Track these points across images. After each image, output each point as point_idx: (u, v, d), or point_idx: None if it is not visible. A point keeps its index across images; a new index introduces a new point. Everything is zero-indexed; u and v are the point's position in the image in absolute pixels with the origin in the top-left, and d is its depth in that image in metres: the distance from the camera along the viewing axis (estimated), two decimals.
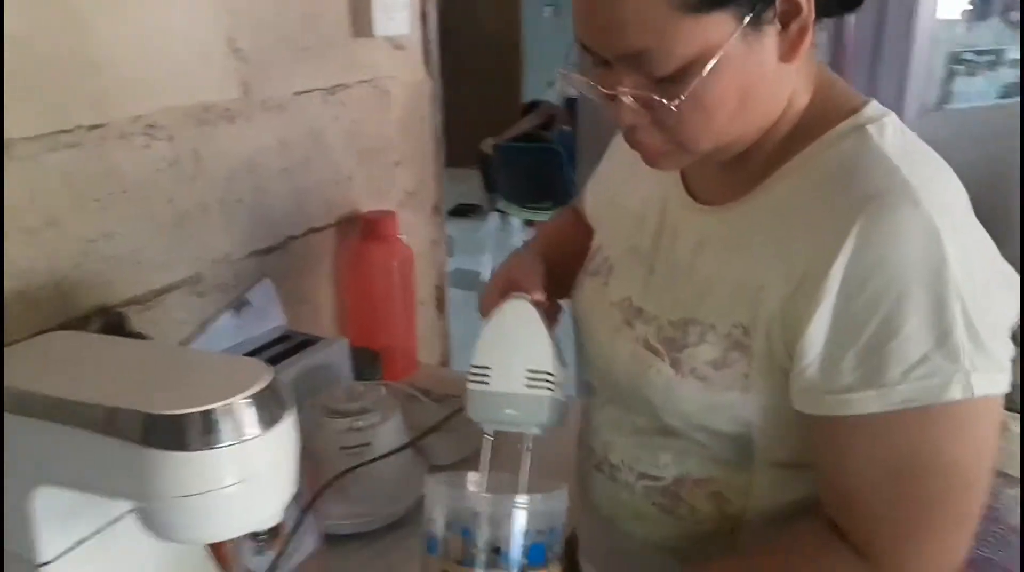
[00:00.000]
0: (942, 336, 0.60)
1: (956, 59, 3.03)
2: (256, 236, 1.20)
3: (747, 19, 0.61)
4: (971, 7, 3.03)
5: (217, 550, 0.86)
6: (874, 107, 0.69)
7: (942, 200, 0.63)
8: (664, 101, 0.63)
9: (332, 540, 1.01)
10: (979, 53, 3.06)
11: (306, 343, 1.19)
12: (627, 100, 0.66)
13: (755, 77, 0.65)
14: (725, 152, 0.70)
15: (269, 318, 1.23)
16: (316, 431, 1.02)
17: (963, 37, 3.03)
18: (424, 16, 1.43)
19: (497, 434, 0.76)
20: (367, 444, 1.01)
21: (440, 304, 1.62)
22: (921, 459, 0.63)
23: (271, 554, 0.88)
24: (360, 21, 1.28)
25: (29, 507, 0.67)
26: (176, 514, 0.62)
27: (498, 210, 4.67)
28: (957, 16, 2.99)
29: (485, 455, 0.76)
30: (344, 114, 1.31)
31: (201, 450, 0.61)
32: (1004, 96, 3.16)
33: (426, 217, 1.54)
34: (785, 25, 0.64)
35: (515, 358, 0.75)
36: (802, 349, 0.64)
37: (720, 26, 0.61)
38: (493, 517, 0.68)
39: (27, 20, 0.87)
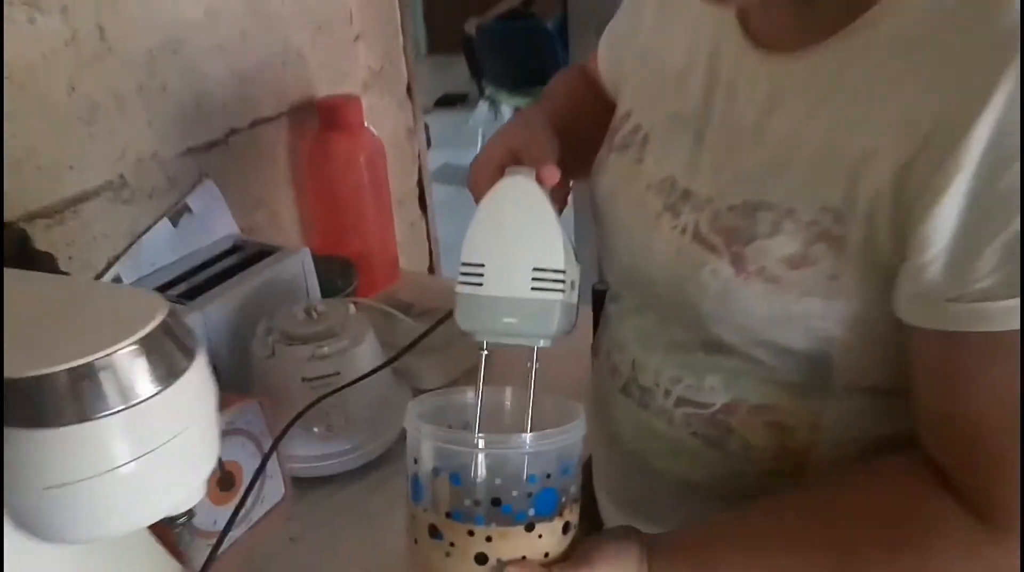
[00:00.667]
0: None
1: None
2: (190, 130, 1.00)
3: None
4: None
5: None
6: None
7: None
8: None
9: (301, 485, 0.86)
10: None
11: (261, 255, 1.01)
12: None
13: None
14: None
15: (216, 227, 1.05)
16: (272, 361, 0.85)
17: None
18: None
19: (494, 348, 0.60)
20: (335, 374, 0.84)
21: (422, 202, 1.43)
22: None
23: (228, 507, 0.73)
24: None
25: None
26: (48, 509, 0.46)
27: (487, 98, 4.41)
28: None
29: (480, 376, 0.59)
30: None
31: (73, 424, 0.44)
32: None
33: (397, 101, 1.33)
34: None
35: (517, 252, 0.58)
36: (922, 239, 0.47)
37: None
38: (492, 461, 0.54)
39: None
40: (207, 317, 0.89)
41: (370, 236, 1.18)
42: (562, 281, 0.57)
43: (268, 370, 0.85)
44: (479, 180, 0.62)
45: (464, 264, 0.59)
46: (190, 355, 0.48)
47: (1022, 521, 0.48)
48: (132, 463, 0.46)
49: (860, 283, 0.52)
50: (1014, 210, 0.44)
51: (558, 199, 0.63)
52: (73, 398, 0.43)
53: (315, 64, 1.16)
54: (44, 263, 0.83)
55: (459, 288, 0.59)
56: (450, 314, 0.70)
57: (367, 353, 0.87)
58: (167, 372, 0.46)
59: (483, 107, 4.48)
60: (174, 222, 0.99)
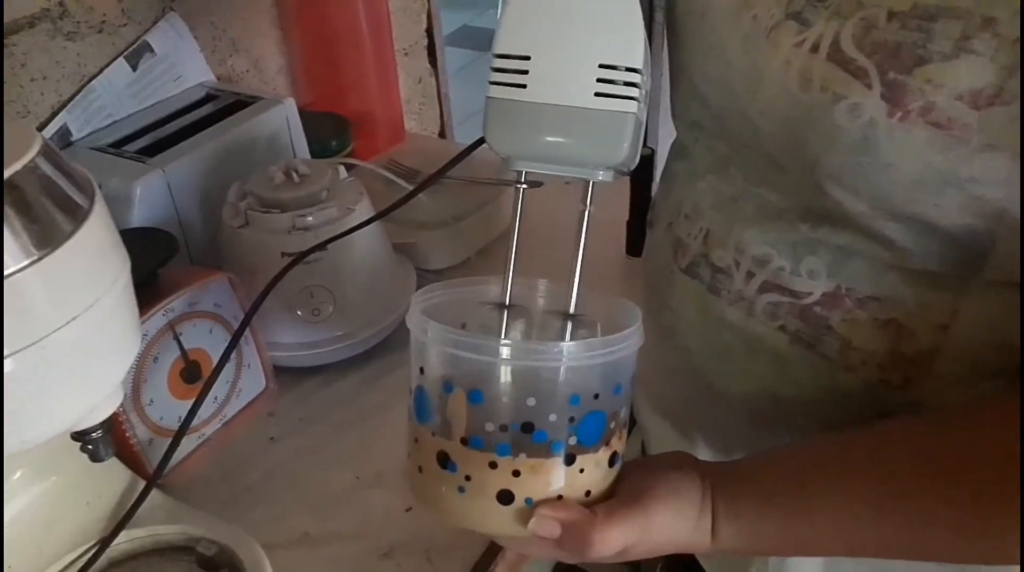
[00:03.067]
0: None
1: None
2: None
3: None
4: None
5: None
6: None
7: None
8: None
9: (284, 377, 0.74)
10: None
11: (239, 105, 0.85)
12: None
13: None
14: None
15: (186, 71, 0.88)
16: (245, 231, 0.71)
17: None
18: None
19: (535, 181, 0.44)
20: (321, 249, 0.70)
21: (432, 54, 1.24)
22: None
23: (187, 403, 0.61)
24: None
25: None
26: None
27: None
28: None
29: (514, 231, 0.44)
30: None
31: None
32: None
33: None
34: None
35: (577, 41, 0.41)
36: None
37: None
38: (523, 374, 0.41)
39: None
40: (170, 177, 0.74)
41: (369, 90, 1.01)
42: (638, 85, 0.41)
43: (241, 242, 0.71)
44: None
45: (499, 56, 0.42)
46: (77, 213, 0.34)
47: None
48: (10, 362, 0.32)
49: None
50: None
51: None
52: None
53: None
54: None
55: (492, 90, 0.42)
56: (465, 154, 0.55)
57: (361, 219, 0.73)
58: (46, 232, 0.32)
59: None
60: (133, 64, 0.83)
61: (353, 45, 0.98)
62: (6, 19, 0.72)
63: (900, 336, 0.46)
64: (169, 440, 0.56)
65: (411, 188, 0.85)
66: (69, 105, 0.78)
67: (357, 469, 0.66)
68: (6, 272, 0.31)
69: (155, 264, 0.62)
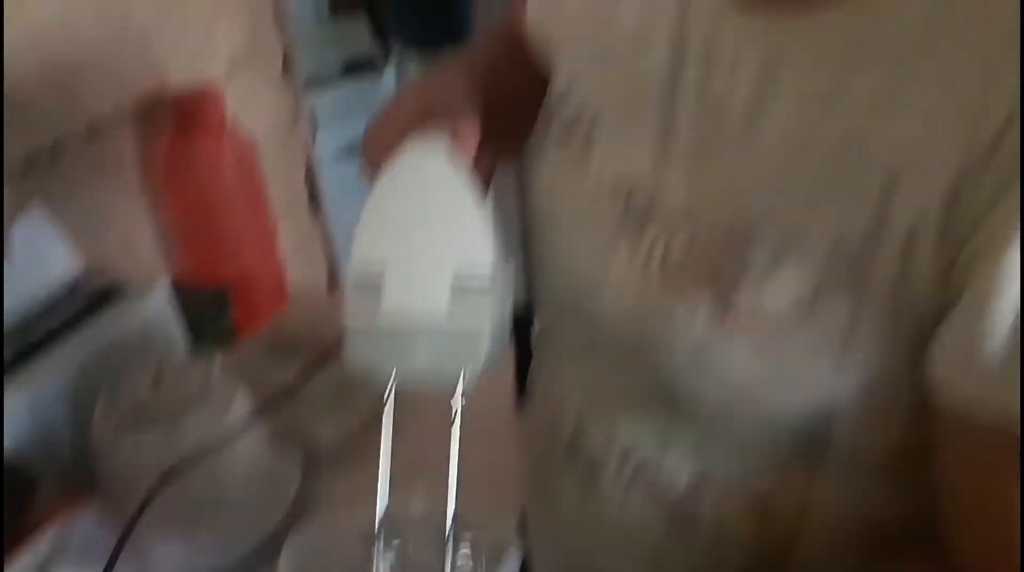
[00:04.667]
0: None
1: None
2: (5, 142, 0.79)
3: None
4: None
5: None
6: None
7: None
8: None
9: None
10: None
11: (107, 295, 0.81)
12: None
13: None
14: None
15: (49, 262, 0.84)
16: (114, 451, 0.67)
17: None
18: None
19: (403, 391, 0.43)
20: (198, 458, 0.66)
21: (314, 201, 1.23)
22: None
23: None
24: None
25: None
26: None
27: (395, 63, 4.16)
28: None
29: (386, 445, 0.42)
30: None
31: None
32: None
33: (272, 84, 1.13)
34: None
35: (428, 255, 0.42)
36: (985, 284, 0.34)
37: None
38: None
39: None
40: (35, 399, 0.69)
41: (247, 256, 0.98)
42: (490, 290, 0.41)
43: (112, 462, 0.67)
44: (377, 152, 0.45)
45: (354, 276, 0.42)
46: None
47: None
48: None
49: (880, 337, 0.38)
50: None
51: (480, 179, 0.46)
52: None
53: (163, 46, 0.95)
54: None
55: (348, 313, 0.42)
56: (330, 354, 0.53)
57: (238, 425, 0.69)
58: None
59: (391, 74, 4.24)
60: None
61: (225, 213, 0.96)
62: None
63: (765, 519, 0.47)
64: None
65: (297, 363, 0.83)
66: None
67: None
68: None
69: (14, 510, 0.57)
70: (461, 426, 0.41)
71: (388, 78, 4.31)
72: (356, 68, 5.13)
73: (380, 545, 0.43)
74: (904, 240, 0.37)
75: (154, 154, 0.94)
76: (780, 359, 0.40)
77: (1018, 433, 0.34)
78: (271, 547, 0.71)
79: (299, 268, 1.17)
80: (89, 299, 0.81)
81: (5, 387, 0.68)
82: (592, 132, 0.49)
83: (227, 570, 0.69)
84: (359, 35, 4.74)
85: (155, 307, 0.82)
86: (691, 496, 0.48)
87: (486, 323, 0.41)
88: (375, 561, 0.43)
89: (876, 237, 0.37)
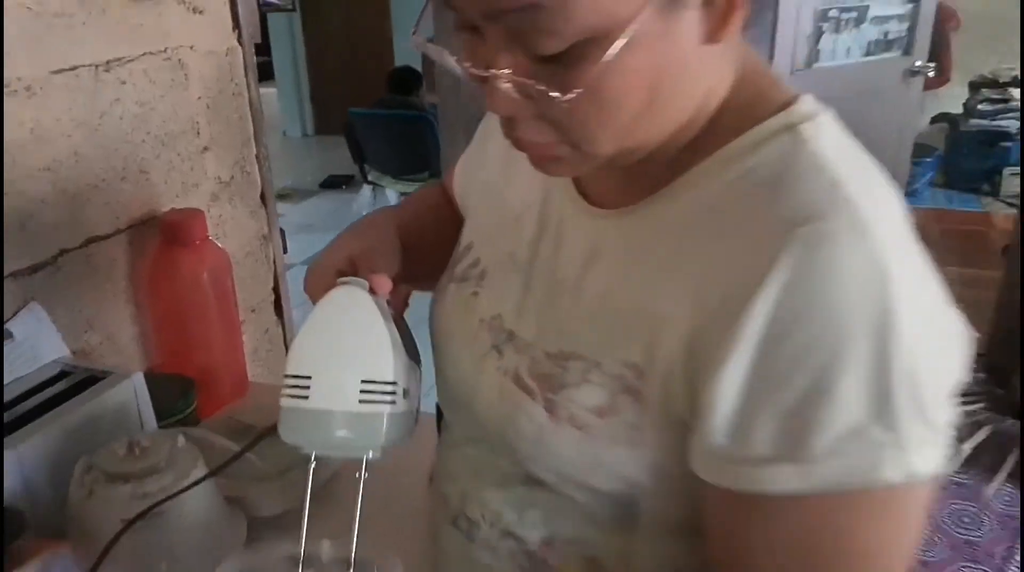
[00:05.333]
0: (881, 404, 0.46)
1: (823, 16, 2.99)
2: (13, 253, 0.97)
3: None
4: None
5: None
6: (807, 102, 0.55)
7: (890, 228, 0.49)
8: (552, 93, 0.47)
9: None
10: (844, 10, 3.03)
11: (90, 381, 0.97)
12: (504, 86, 0.48)
13: (671, 63, 0.49)
14: (631, 156, 0.54)
15: (43, 351, 1.00)
16: (89, 503, 0.81)
17: None
18: None
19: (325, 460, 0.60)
20: (158, 514, 0.81)
21: (278, 306, 1.41)
22: (838, 546, 0.50)
23: None
24: None
25: None
26: None
27: (370, 181, 4.43)
28: None
29: (307, 492, 0.59)
30: (126, 95, 1.07)
31: None
32: (868, 53, 3.15)
33: (250, 209, 1.32)
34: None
35: (345, 364, 0.58)
36: (709, 403, 0.50)
37: None
38: None
39: None
40: (22, 456, 0.84)
41: (214, 351, 1.15)
42: (392, 392, 0.57)
43: (86, 512, 0.81)
44: (314, 287, 0.62)
45: (289, 376, 0.58)
46: None
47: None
48: None
49: (659, 434, 0.54)
50: (789, 382, 0.47)
51: (397, 304, 0.63)
52: None
53: (158, 179, 1.14)
54: None
55: (283, 401, 0.58)
56: (270, 431, 0.68)
57: (197, 489, 0.84)
58: None
59: (367, 191, 4.50)
60: None
61: (198, 315, 1.13)
62: None
63: (597, 568, 0.61)
64: None
65: (234, 445, 0.98)
66: None
67: None
68: None
69: (8, 539, 0.71)
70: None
71: (364, 194, 4.57)
72: (336, 183, 5.42)
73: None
74: (665, 372, 0.53)
75: (142, 264, 1.12)
76: (590, 447, 0.56)
77: (744, 492, 0.50)
78: None
79: (260, 362, 1.33)
80: (75, 381, 0.97)
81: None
82: (482, 279, 0.68)
83: None
84: (341, 154, 5.04)
85: (130, 390, 0.97)
86: (543, 550, 0.63)
87: (384, 414, 0.57)
88: None
89: (646, 368, 0.53)
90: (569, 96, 0.47)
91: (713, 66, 0.53)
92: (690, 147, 0.55)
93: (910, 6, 3.16)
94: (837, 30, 3.04)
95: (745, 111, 0.54)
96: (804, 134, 0.52)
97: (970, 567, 2.16)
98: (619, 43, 0.45)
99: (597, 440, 0.56)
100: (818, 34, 3.00)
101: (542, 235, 0.64)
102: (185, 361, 1.12)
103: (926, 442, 0.47)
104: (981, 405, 2.85)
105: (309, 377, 0.58)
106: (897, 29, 3.18)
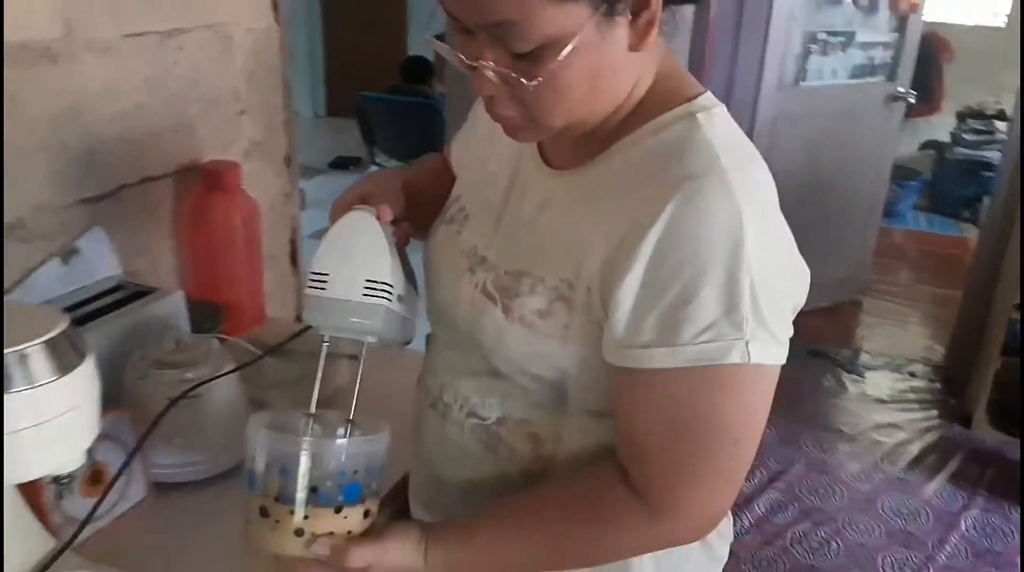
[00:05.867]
0: (730, 307, 0.66)
1: (812, 39, 3.19)
2: (85, 183, 1.16)
3: (601, 10, 0.65)
4: None
5: (32, 498, 0.85)
6: (707, 98, 0.74)
7: (752, 190, 0.69)
8: (521, 79, 0.66)
9: (161, 489, 1.01)
10: (832, 34, 3.23)
11: (140, 295, 1.17)
12: (488, 73, 0.68)
13: (605, 63, 0.69)
14: (576, 129, 0.74)
15: (102, 268, 1.20)
16: (143, 382, 1.01)
17: (818, 17, 3.18)
18: None
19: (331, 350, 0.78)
20: (197, 395, 1.01)
21: (294, 258, 1.61)
22: (697, 414, 0.69)
23: (92, 500, 0.88)
24: None
25: None
26: None
27: (377, 163, 4.62)
28: None
29: (320, 363, 0.77)
30: (183, 60, 1.27)
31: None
32: (853, 76, 3.36)
33: (276, 168, 1.52)
34: (635, 16, 0.67)
35: (354, 267, 0.75)
36: (613, 305, 0.69)
37: (577, 14, 0.64)
38: (312, 458, 0.70)
39: None
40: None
41: (239, 285, 1.35)
42: (388, 292, 0.76)
43: (140, 390, 1.01)
44: (335, 212, 0.82)
45: (312, 273, 0.76)
46: (82, 357, 0.66)
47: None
48: (32, 429, 0.62)
49: (584, 332, 0.74)
50: (666, 290, 0.66)
51: (399, 238, 0.83)
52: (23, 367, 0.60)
53: (203, 133, 1.34)
54: None
55: (307, 291, 0.76)
56: (286, 342, 0.88)
57: (226, 380, 1.04)
58: (63, 366, 0.64)
59: (374, 171, 4.68)
60: (64, 261, 1.14)
61: (229, 253, 1.33)
62: None
63: (537, 443, 0.81)
64: (75, 525, 0.83)
65: (256, 350, 1.17)
66: (15, 288, 1.08)
67: (213, 554, 0.93)
68: (42, 382, 0.61)
69: None
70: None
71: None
72: (344, 163, 5.61)
73: (311, 421, 0.78)
74: (587, 285, 0.72)
75: (186, 204, 1.32)
76: (534, 341, 0.75)
77: (632, 368, 0.70)
78: (235, 470, 1.04)
79: (276, 302, 1.53)
80: (128, 294, 1.17)
81: None
82: (465, 221, 0.88)
83: (204, 478, 1.02)
84: (350, 136, 5.23)
85: (173, 305, 1.17)
86: (497, 428, 0.83)
87: (382, 306, 0.77)
88: (305, 427, 0.77)
89: (575, 282, 0.73)
90: (533, 83, 0.67)
91: (637, 66, 0.73)
92: (619, 126, 0.75)
93: (896, 35, 3.36)
94: (825, 52, 3.24)
95: (660, 101, 0.74)
96: (699, 121, 0.72)
97: (902, 552, 2.37)
98: (568, 48, 0.65)
99: (538, 336, 0.75)
100: (806, 54, 3.20)
101: (512, 187, 0.84)
102: (215, 290, 1.32)
103: (763, 338, 0.67)
104: (934, 412, 3.06)
105: (327, 274, 0.76)
106: (882, 55, 3.38)
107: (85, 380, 0.66)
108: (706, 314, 0.66)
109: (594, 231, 0.72)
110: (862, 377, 3.30)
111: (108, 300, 1.15)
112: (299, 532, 0.70)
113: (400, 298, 0.79)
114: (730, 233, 0.66)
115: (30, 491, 0.85)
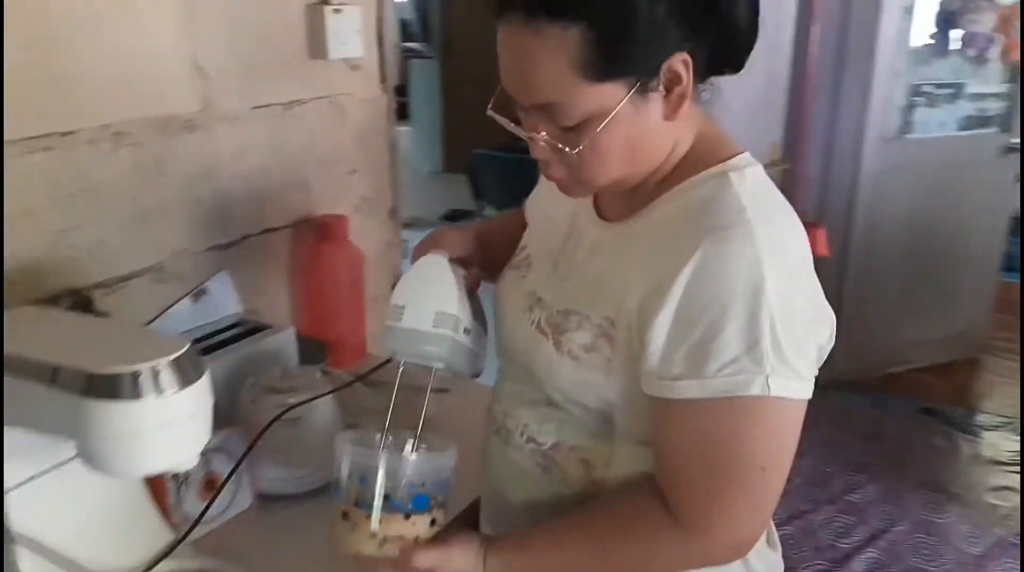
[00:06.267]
0: (751, 343, 0.74)
1: (917, 91, 3.16)
2: (215, 233, 1.35)
3: (635, 88, 0.76)
4: (932, 42, 3.15)
5: (158, 497, 1.00)
6: (742, 158, 0.83)
7: (775, 240, 0.76)
8: (567, 148, 0.78)
9: (267, 499, 1.15)
10: (939, 86, 3.19)
11: (256, 330, 1.34)
12: (540, 143, 0.81)
13: (641, 132, 0.79)
14: (621, 186, 0.85)
15: (226, 307, 1.38)
16: (253, 405, 1.16)
17: (923, 70, 3.15)
18: (380, 39, 1.58)
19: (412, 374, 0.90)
20: (298, 417, 1.15)
21: None
22: (724, 443, 0.77)
23: (204, 502, 1.02)
24: (316, 45, 1.43)
25: None
26: (108, 451, 0.77)
27: (483, 216, 4.82)
28: (918, 45, 3.12)
29: (395, 386, 0.90)
30: (301, 127, 1.46)
31: (128, 400, 0.75)
32: (963, 128, 3.29)
33: (381, 221, 1.68)
34: (668, 91, 0.78)
35: (426, 301, 0.86)
36: (648, 341, 0.78)
37: (613, 92, 0.75)
38: (386, 470, 0.82)
39: (12, 37, 1.02)
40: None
41: (343, 324, 1.50)
42: (455, 323, 0.87)
43: (250, 411, 1.16)
44: (415, 255, 0.96)
45: (391, 305, 0.88)
46: (200, 374, 0.80)
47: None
48: (158, 430, 0.77)
49: (625, 366, 0.82)
50: (695, 327, 0.75)
51: (471, 281, 0.95)
52: (130, 387, 0.75)
53: (318, 190, 1.52)
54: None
55: (386, 322, 0.88)
56: (382, 364, 1.00)
57: (323, 404, 1.18)
58: (185, 380, 0.78)
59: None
60: (195, 300, 1.32)
61: (335, 295, 1.49)
62: (130, 269, 1.22)
63: (588, 468, 0.90)
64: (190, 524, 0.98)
65: (362, 385, 1.31)
66: (153, 322, 1.26)
67: (307, 557, 1.06)
68: (171, 392, 0.76)
69: None
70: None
71: None
72: (456, 216, 5.85)
73: (387, 437, 0.89)
74: (627, 323, 0.80)
75: (299, 252, 1.49)
76: (580, 373, 0.84)
77: (664, 398, 0.78)
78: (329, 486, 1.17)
79: (377, 340, 1.68)
80: (247, 329, 1.34)
81: None
82: (529, 266, 0.98)
83: (303, 492, 1.16)
84: (463, 191, 5.47)
85: (284, 340, 1.33)
86: (552, 452, 0.91)
87: (449, 337, 0.87)
88: (382, 441, 0.89)
89: (616, 320, 0.81)
90: (577, 150, 0.78)
91: (673, 132, 0.82)
92: (661, 183, 0.84)
93: (1010, 85, 3.28)
94: (932, 104, 3.20)
95: (698, 161, 0.83)
96: (730, 179, 0.80)
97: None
98: (606, 121, 0.76)
99: (584, 368, 0.84)
100: (911, 107, 3.17)
101: (569, 236, 0.94)
102: (322, 327, 1.48)
103: (783, 373, 0.74)
104: None
105: (403, 306, 0.88)
106: (995, 106, 3.30)
107: (202, 393, 0.80)
108: (729, 350, 0.74)
109: (634, 275, 0.81)
110: (977, 437, 3.16)
111: (229, 334, 1.32)
112: (373, 535, 0.81)
113: (467, 331, 0.90)
114: (751, 277, 0.74)
115: (157, 492, 1.00)
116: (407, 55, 6.85)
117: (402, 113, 5.27)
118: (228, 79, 1.31)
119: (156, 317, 1.27)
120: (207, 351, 1.25)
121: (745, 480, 0.78)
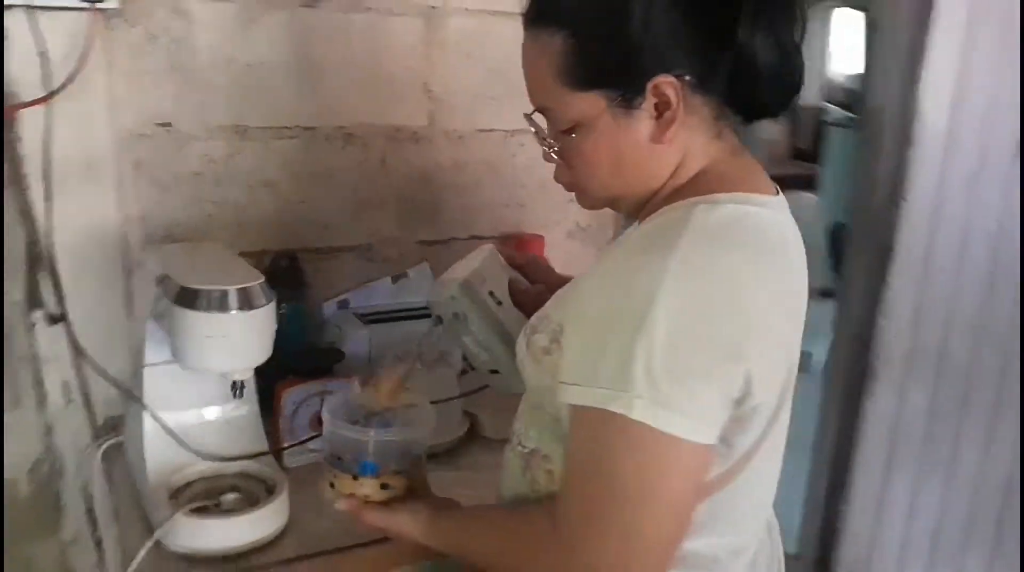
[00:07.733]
0: (625, 362, 0.73)
1: None
2: (424, 229, 1.60)
3: (616, 102, 0.80)
4: None
5: (275, 406, 1.26)
6: (736, 196, 0.81)
7: (698, 265, 0.75)
8: (552, 151, 0.87)
9: None
10: None
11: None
12: (542, 146, 0.90)
13: (625, 148, 0.83)
14: (622, 202, 0.90)
15: (421, 293, 1.61)
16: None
17: None
18: None
19: None
20: None
21: None
22: (597, 458, 0.76)
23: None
24: None
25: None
26: (200, 350, 1.04)
27: None
28: None
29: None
30: (522, 153, 1.64)
31: (221, 312, 1.01)
32: None
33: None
34: (660, 113, 0.81)
35: (461, 267, 1.08)
36: (564, 345, 0.82)
37: (594, 103, 0.81)
38: (334, 438, 0.94)
39: (269, 50, 1.38)
40: (372, 335, 1.44)
41: None
42: (479, 283, 1.03)
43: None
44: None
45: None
46: (269, 301, 1.03)
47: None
48: (221, 338, 1.01)
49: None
50: (591, 337, 0.77)
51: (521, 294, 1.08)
52: (221, 300, 1.01)
53: (531, 210, 1.69)
54: (293, 276, 1.47)
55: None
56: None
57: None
58: (248, 305, 1.01)
59: None
60: (394, 281, 1.58)
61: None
62: (345, 243, 1.52)
63: (550, 480, 0.92)
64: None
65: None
66: (353, 291, 1.55)
67: None
68: (231, 311, 1.00)
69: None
70: None
71: None
72: None
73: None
74: (564, 330, 0.83)
75: None
76: (539, 375, 0.87)
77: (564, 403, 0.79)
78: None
79: None
80: (424, 316, 1.56)
81: (359, 329, 1.44)
82: None
83: None
84: None
85: None
86: (530, 457, 0.94)
87: (465, 289, 1.02)
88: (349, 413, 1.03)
89: (564, 327, 0.82)
90: (564, 156, 0.85)
91: (668, 157, 0.83)
92: (655, 207, 0.85)
93: None
94: None
95: (692, 190, 0.83)
96: (698, 210, 0.79)
97: None
98: (587, 130, 0.81)
99: (541, 370, 0.88)
100: None
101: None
102: None
103: (648, 399, 0.72)
104: None
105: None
106: None
107: (261, 317, 1.03)
108: (607, 363, 0.74)
109: (584, 285, 0.84)
110: None
111: (414, 315, 1.55)
112: (332, 485, 0.95)
113: (492, 294, 1.04)
114: (645, 297, 0.73)
115: (275, 406, 1.26)
116: (827, 124, 6.62)
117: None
118: (455, 103, 1.55)
119: (355, 287, 1.55)
120: (377, 320, 1.49)
121: (615, 507, 0.76)
